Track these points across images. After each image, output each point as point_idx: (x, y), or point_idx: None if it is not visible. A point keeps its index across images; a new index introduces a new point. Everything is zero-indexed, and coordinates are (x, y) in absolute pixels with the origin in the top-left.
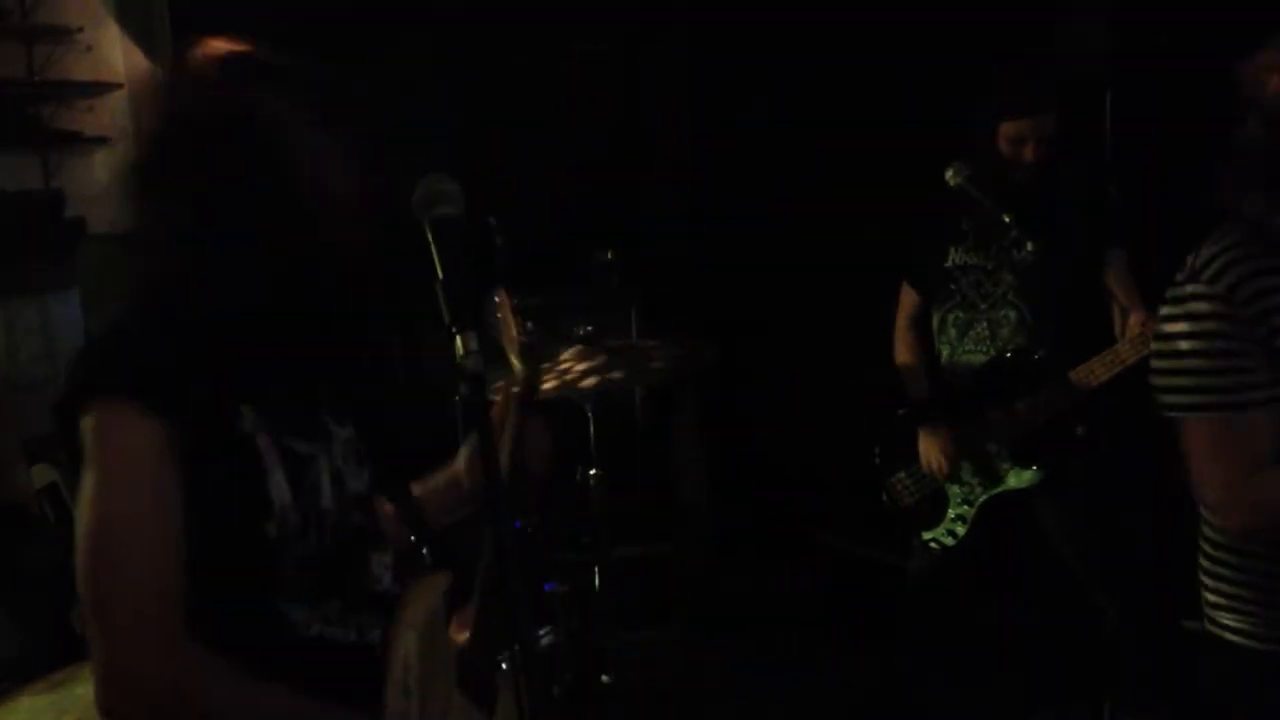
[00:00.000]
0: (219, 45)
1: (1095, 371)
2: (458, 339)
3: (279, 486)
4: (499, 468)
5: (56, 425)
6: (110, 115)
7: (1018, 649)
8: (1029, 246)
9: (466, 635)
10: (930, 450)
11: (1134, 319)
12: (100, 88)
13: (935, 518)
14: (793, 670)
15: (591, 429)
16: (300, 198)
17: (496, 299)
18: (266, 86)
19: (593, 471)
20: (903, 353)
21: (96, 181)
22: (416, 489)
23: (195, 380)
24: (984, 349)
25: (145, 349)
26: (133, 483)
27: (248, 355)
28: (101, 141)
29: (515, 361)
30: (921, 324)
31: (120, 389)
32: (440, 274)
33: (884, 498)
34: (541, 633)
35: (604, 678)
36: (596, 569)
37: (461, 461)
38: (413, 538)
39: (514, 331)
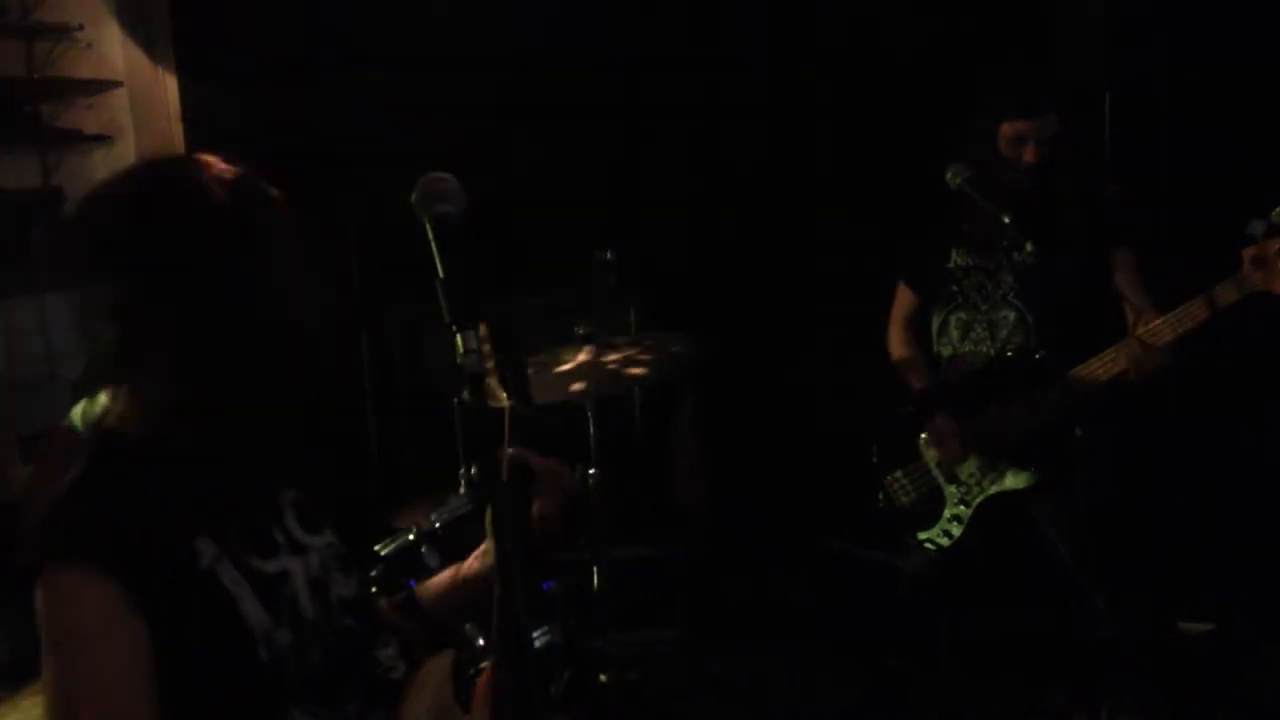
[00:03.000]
0: (222, 167)
1: (1096, 372)
2: (458, 338)
3: (254, 611)
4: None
5: (12, 597)
6: (110, 113)
7: (1015, 650)
8: (1028, 248)
9: (485, 711)
10: (941, 434)
11: (1142, 320)
12: (100, 86)
13: (931, 517)
14: (790, 671)
15: (591, 428)
16: (280, 325)
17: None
18: (267, 214)
19: (591, 471)
20: (898, 350)
21: (96, 180)
22: (422, 592)
23: (147, 529)
24: (984, 349)
25: (93, 507)
26: (102, 656)
27: (203, 485)
28: (102, 140)
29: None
30: (915, 324)
31: (70, 554)
32: (440, 272)
33: (879, 496)
34: (537, 632)
35: (601, 677)
36: (594, 569)
37: (471, 560)
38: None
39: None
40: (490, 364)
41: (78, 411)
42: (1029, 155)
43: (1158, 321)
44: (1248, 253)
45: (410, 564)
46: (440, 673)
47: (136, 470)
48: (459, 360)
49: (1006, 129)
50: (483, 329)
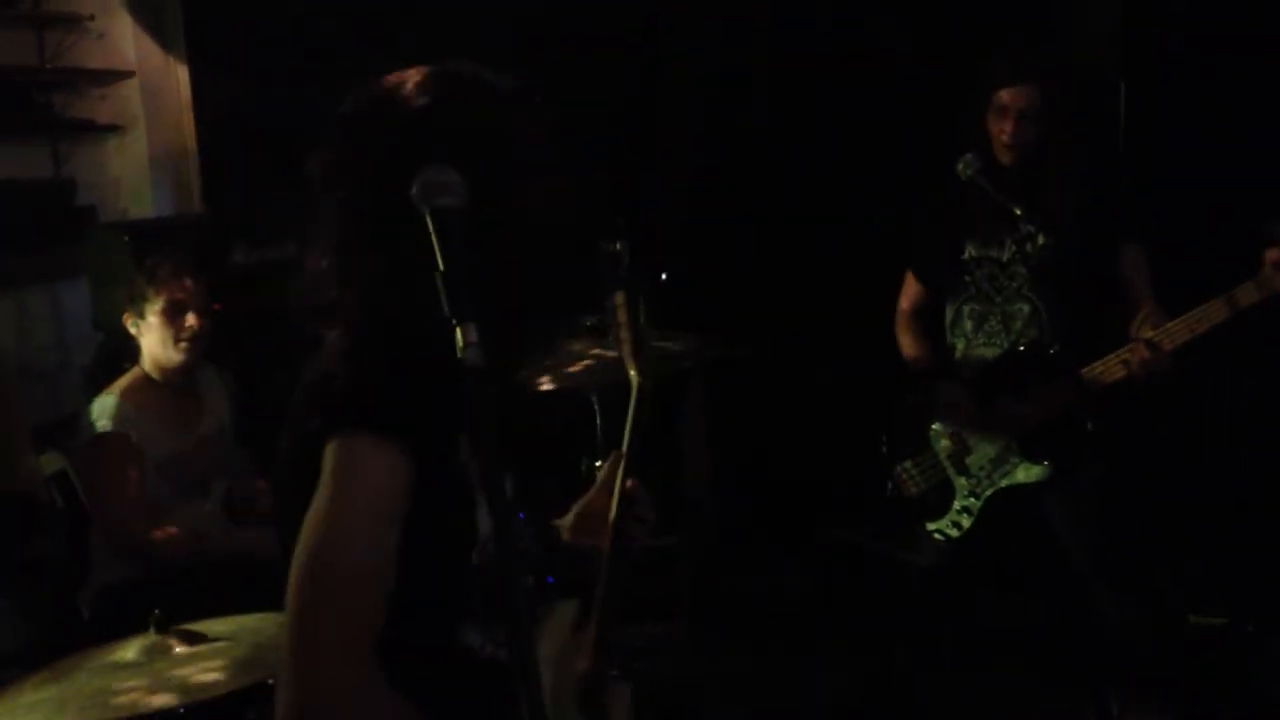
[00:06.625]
0: (462, 65)
1: (1107, 371)
2: (458, 331)
3: (484, 519)
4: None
5: (298, 444)
6: (122, 103)
7: (1023, 644)
8: (1041, 240)
9: (586, 661)
10: (949, 402)
11: (1148, 320)
12: (112, 76)
13: (941, 508)
14: (795, 662)
15: (598, 420)
16: (528, 226)
17: (616, 301)
18: (509, 108)
19: (598, 463)
20: (906, 342)
21: (108, 170)
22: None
23: (430, 412)
24: (998, 342)
25: (391, 381)
26: (374, 517)
27: (463, 382)
28: (113, 130)
29: (631, 370)
30: (923, 315)
31: (373, 422)
32: (441, 265)
33: (889, 486)
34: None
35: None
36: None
37: (568, 519)
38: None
39: (628, 335)
40: (625, 335)
41: (96, 407)
42: (1009, 128)
43: (1172, 323)
44: (1270, 254)
45: None
46: (564, 625)
47: (416, 354)
48: (459, 354)
49: (994, 99)
50: (619, 298)
